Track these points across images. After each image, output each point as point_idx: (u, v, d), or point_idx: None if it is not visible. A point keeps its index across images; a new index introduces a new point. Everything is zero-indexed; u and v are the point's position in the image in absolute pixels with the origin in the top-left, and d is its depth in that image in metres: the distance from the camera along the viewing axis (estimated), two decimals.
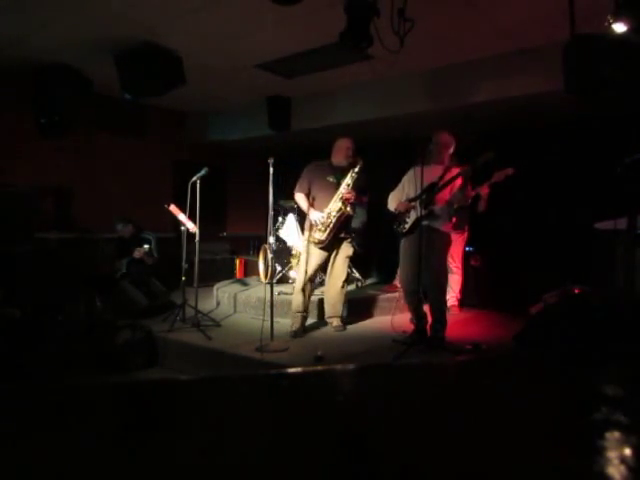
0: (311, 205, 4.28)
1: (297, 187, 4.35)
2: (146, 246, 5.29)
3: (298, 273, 4.46)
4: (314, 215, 4.20)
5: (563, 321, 3.02)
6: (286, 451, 0.59)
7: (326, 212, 4.15)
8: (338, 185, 4.18)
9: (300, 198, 4.33)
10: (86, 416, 0.70)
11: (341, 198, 4.10)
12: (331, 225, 4.12)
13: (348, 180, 4.13)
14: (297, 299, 4.31)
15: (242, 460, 0.56)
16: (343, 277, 4.37)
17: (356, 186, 4.17)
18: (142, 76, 4.73)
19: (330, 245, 4.25)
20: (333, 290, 4.38)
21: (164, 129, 7.17)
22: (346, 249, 4.35)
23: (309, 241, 4.25)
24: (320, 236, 4.16)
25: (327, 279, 4.44)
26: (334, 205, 4.13)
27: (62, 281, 5.19)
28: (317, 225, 4.17)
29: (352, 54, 4.68)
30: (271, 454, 0.58)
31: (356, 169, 4.13)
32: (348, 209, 4.12)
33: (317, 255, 4.27)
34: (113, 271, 5.31)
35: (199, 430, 0.66)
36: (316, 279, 4.71)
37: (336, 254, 4.33)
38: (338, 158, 4.28)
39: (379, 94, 5.68)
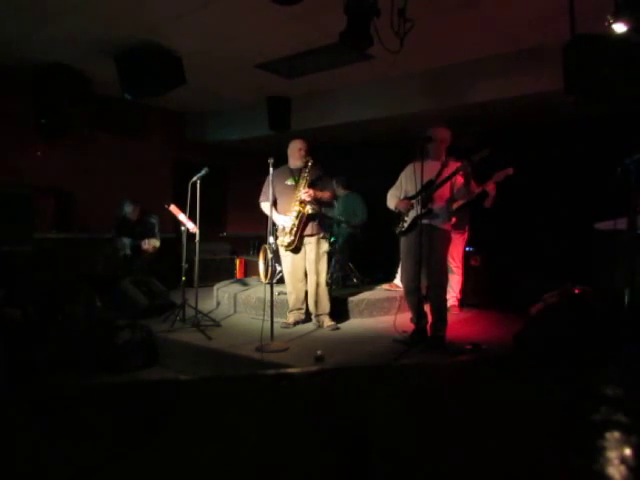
0: (276, 210, 4.41)
1: (261, 196, 4.46)
2: (155, 241, 5.22)
3: (285, 278, 4.57)
4: (279, 220, 4.36)
5: (563, 321, 3.03)
6: (286, 451, 0.59)
7: (289, 216, 4.30)
8: (297, 186, 4.31)
9: (266, 207, 4.39)
10: (86, 416, 0.70)
11: (297, 200, 4.23)
12: (294, 228, 4.26)
13: (302, 181, 4.26)
14: (290, 299, 4.55)
15: (242, 460, 0.56)
16: (323, 273, 4.42)
17: (317, 185, 4.32)
18: (142, 76, 4.73)
19: (299, 246, 4.36)
20: (314, 287, 4.40)
21: (164, 129, 7.17)
22: (320, 245, 4.41)
23: (280, 245, 4.38)
24: (288, 239, 4.30)
25: (308, 277, 4.46)
26: (293, 208, 4.27)
27: (62, 281, 5.19)
28: (284, 229, 4.31)
29: (352, 54, 4.68)
30: (271, 454, 0.58)
31: (306, 169, 4.25)
32: (307, 209, 4.23)
33: (291, 257, 4.40)
34: (115, 250, 5.28)
35: (199, 430, 0.66)
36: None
37: (311, 251, 4.38)
38: (293, 160, 4.42)
39: (379, 94, 5.68)
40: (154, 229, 5.33)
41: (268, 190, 4.25)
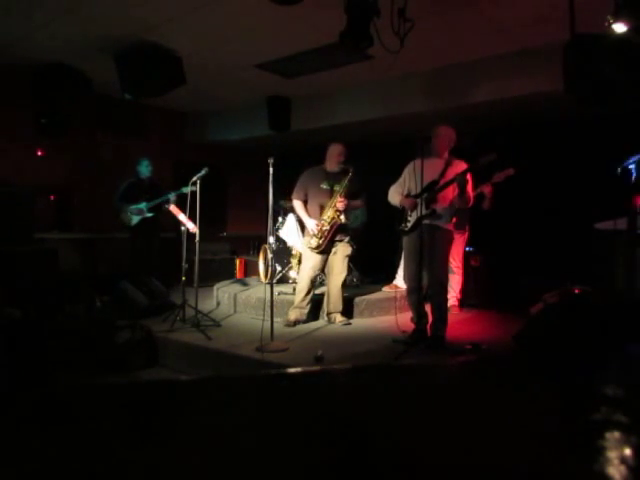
0: (305, 209, 4.46)
1: (294, 194, 4.52)
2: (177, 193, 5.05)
3: (299, 275, 4.60)
4: (309, 223, 4.39)
5: (563, 321, 3.03)
6: (286, 451, 0.59)
7: (320, 220, 4.33)
8: (331, 191, 4.35)
9: (297, 205, 4.51)
10: (86, 417, 0.70)
11: (333, 207, 4.28)
12: (326, 233, 4.31)
13: (340, 189, 4.29)
14: (298, 297, 4.54)
15: (242, 460, 0.56)
16: (344, 275, 4.54)
17: (349, 192, 4.35)
18: (142, 76, 4.73)
19: (326, 249, 4.42)
20: (335, 288, 4.52)
21: (164, 129, 7.17)
22: (344, 249, 4.51)
23: (306, 246, 4.43)
24: (316, 243, 4.34)
25: (328, 277, 4.57)
26: (328, 214, 4.30)
27: (62, 281, 5.19)
28: (313, 232, 4.34)
29: (352, 54, 4.68)
30: (271, 454, 0.58)
31: (347, 177, 4.28)
32: (341, 218, 4.30)
33: (314, 258, 4.44)
34: (124, 219, 5.29)
35: (199, 430, 0.66)
36: (317, 279, 4.82)
37: (337, 254, 4.48)
38: (331, 164, 4.45)
39: (379, 94, 5.67)
40: (163, 195, 5.23)
41: (302, 189, 4.43)
